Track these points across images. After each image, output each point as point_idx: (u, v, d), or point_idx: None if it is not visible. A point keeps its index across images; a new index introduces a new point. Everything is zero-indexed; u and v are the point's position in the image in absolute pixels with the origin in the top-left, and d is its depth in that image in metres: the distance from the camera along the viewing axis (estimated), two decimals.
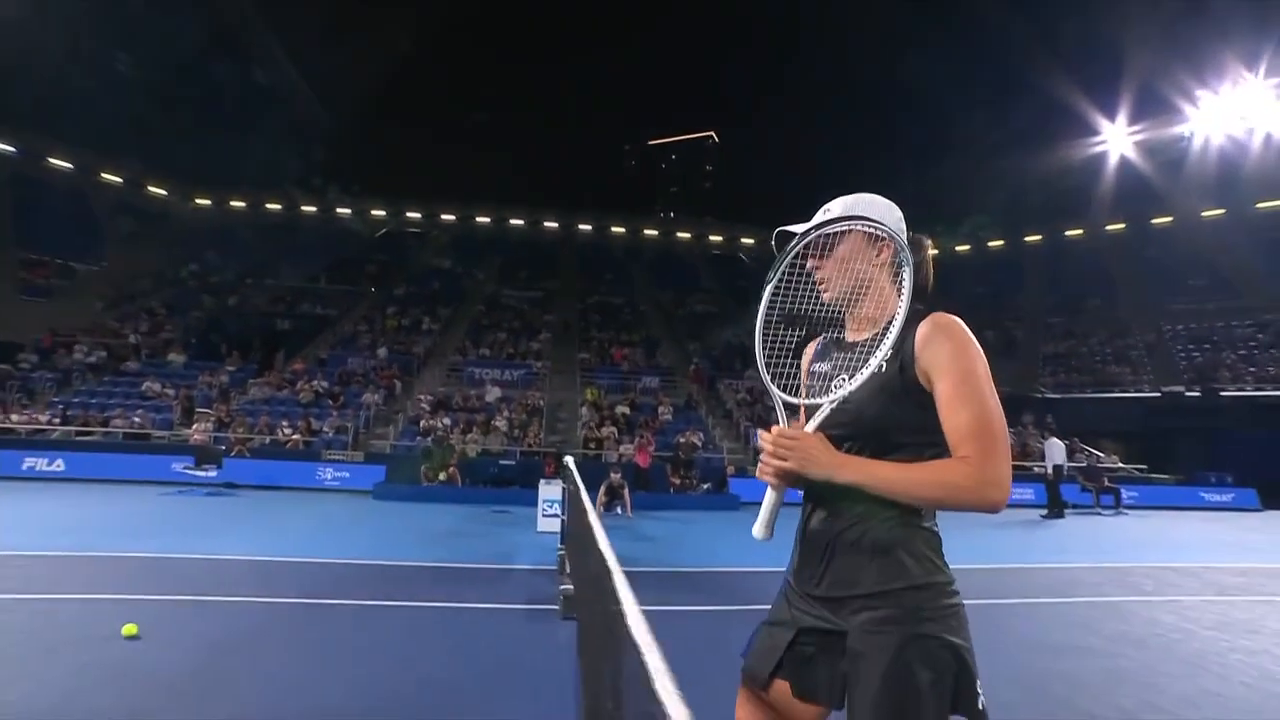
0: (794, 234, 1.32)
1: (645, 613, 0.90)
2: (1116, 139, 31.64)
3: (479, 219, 33.28)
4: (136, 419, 14.62)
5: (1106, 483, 13.66)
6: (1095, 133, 32.24)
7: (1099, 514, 12.95)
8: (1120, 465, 16.77)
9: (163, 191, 32.18)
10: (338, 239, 30.77)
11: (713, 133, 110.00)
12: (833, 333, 1.44)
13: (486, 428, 15.00)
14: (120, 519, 7.97)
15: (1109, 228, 33.33)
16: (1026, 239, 35.64)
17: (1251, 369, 20.14)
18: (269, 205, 33.14)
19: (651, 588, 5.28)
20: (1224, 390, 18.87)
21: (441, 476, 11.40)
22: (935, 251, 1.47)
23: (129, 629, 3.68)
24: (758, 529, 1.26)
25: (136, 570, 5.31)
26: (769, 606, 1.42)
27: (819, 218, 1.35)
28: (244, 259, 28.45)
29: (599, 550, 1.52)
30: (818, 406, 1.28)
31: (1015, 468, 7.22)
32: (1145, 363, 23.01)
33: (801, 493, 1.36)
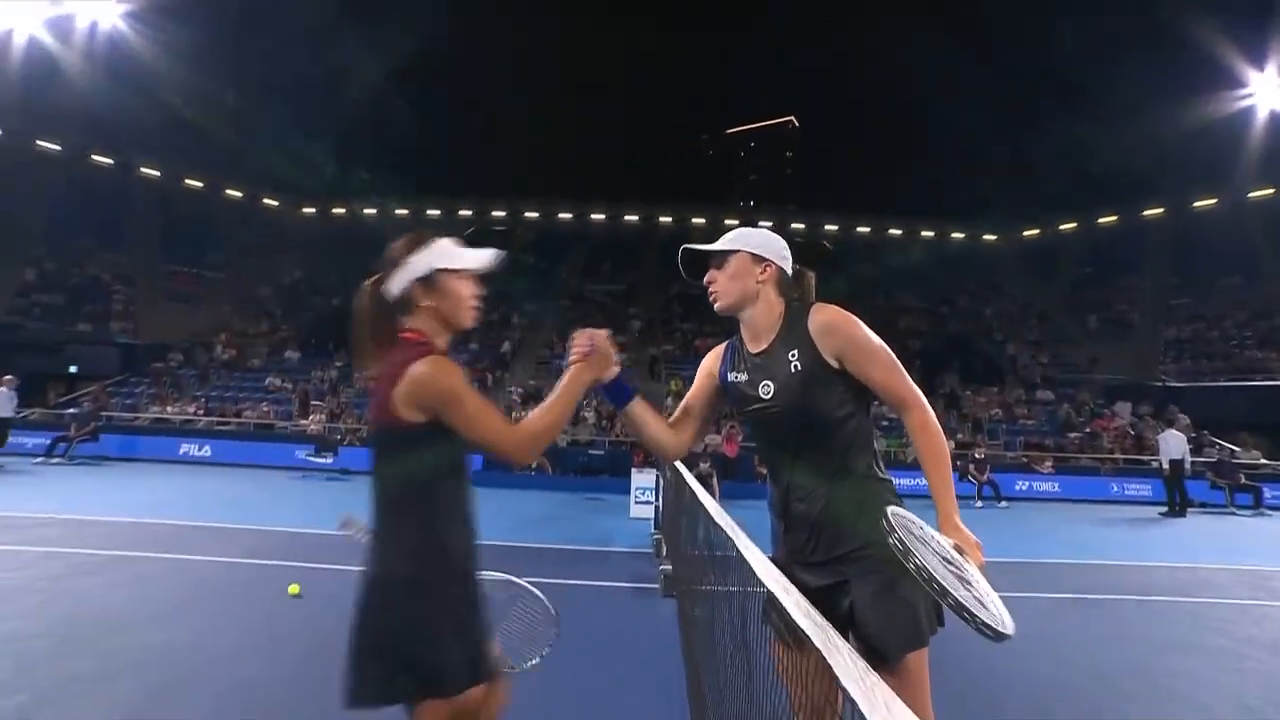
0: (698, 251, 1.64)
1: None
2: (1265, 91, 28.07)
3: (561, 215, 34.29)
4: (265, 408, 16.35)
5: (1243, 480, 12.48)
6: (1236, 85, 28.77)
7: (1234, 514, 11.88)
8: (1262, 461, 15.19)
9: (275, 203, 35.32)
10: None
11: (792, 118, 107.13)
12: (737, 348, 1.69)
13: (576, 418, 15.65)
14: (265, 498, 9.07)
15: (1252, 195, 29.80)
16: (1144, 213, 32.49)
17: None
18: (365, 211, 35.63)
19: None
20: None
21: (534, 465, 12.07)
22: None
23: (293, 588, 4.33)
24: None
25: (287, 541, 6.12)
26: None
27: (694, 247, 1.67)
28: (345, 263, 30.80)
29: (722, 529, 1.77)
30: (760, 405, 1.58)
31: (1130, 461, 7.06)
32: None
33: (769, 477, 1.62)
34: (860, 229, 36.15)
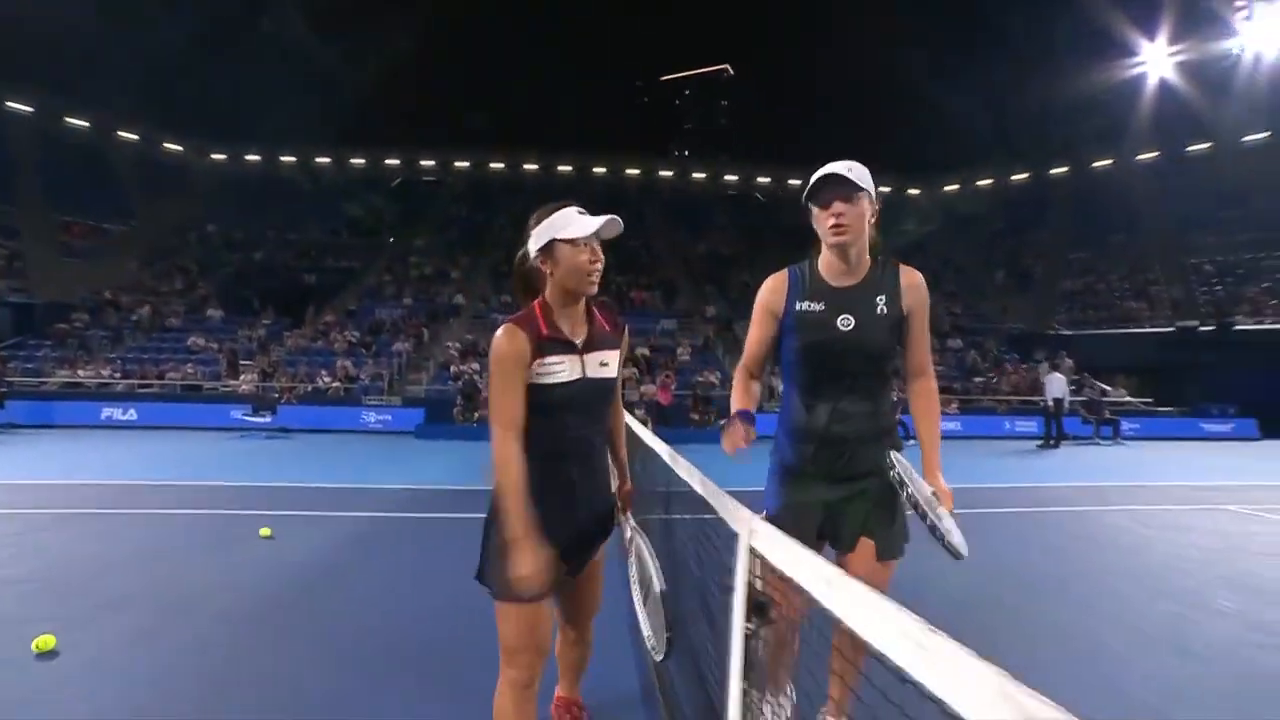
0: (843, 176, 1.64)
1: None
2: (1156, 59, 30.43)
3: (492, 165, 33.47)
4: (189, 370, 15.90)
5: (1107, 415, 14.40)
6: (1133, 53, 31.02)
7: (1097, 444, 13.76)
8: (1125, 399, 17.40)
9: (178, 148, 32.71)
10: (354, 191, 31.31)
11: (727, 65, 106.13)
12: (804, 277, 1.79)
13: None
14: (211, 457, 9.18)
15: (1140, 157, 32.52)
16: (1052, 172, 34.91)
17: (1274, 302, 20.33)
18: (283, 159, 33.52)
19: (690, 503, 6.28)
20: (1238, 325, 19.18)
21: (476, 416, 12.52)
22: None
23: (265, 531, 4.77)
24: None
25: (246, 494, 6.44)
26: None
27: (841, 170, 1.65)
28: (263, 214, 29.22)
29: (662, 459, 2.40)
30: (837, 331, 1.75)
31: (1023, 401, 8.56)
32: (1165, 298, 23.20)
33: (803, 403, 1.80)
34: (791, 181, 37.08)
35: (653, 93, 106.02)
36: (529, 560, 1.50)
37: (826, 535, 1.80)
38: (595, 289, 1.66)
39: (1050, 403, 12.64)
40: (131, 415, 12.88)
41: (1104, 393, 16.50)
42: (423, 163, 33.31)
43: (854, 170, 1.65)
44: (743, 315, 21.31)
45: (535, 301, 1.66)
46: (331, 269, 23.84)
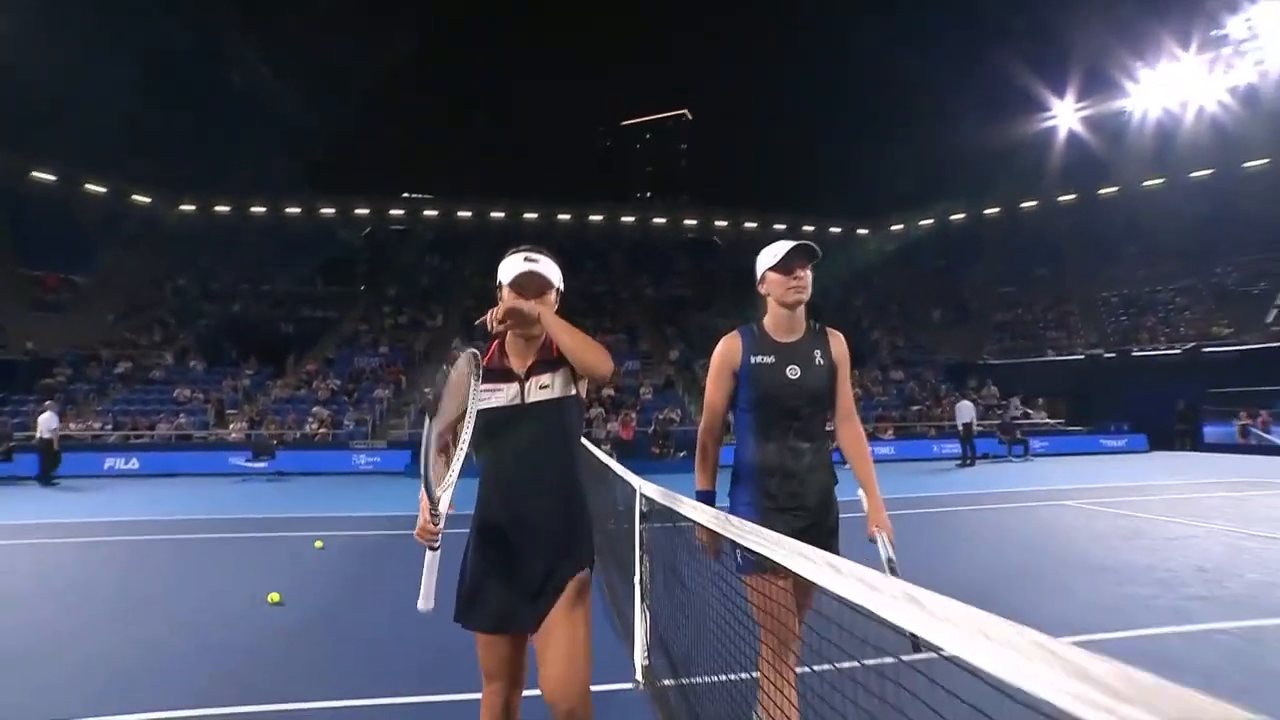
0: (812, 247, 2.03)
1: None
2: (1065, 114, 34.54)
3: (460, 213, 35.35)
4: (182, 421, 17.13)
5: (1019, 435, 16.76)
6: (1046, 108, 35.15)
7: (1010, 461, 16.05)
8: (1038, 421, 19.93)
9: (146, 199, 33.72)
10: (325, 240, 32.75)
11: (686, 110, 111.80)
12: (755, 335, 2.12)
13: None
14: (232, 498, 10.61)
15: (1060, 199, 36.41)
16: (985, 212, 38.61)
17: (1166, 330, 23.39)
18: (253, 209, 34.78)
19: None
20: (1135, 351, 22.08)
21: None
22: None
23: (318, 544, 6.42)
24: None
25: (278, 523, 8.02)
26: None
27: (810, 243, 2.03)
28: (235, 264, 30.38)
29: (628, 483, 4.26)
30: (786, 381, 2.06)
31: (947, 426, 11.63)
32: (1079, 328, 26.19)
33: (759, 443, 2.08)
34: (748, 224, 39.92)
35: (615, 137, 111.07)
36: (420, 524, 1.70)
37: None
38: (531, 335, 1.84)
39: (961, 427, 14.89)
40: (134, 465, 14.13)
41: (1015, 416, 18.93)
42: (392, 211, 35.02)
43: (815, 247, 2.04)
44: (701, 355, 23.42)
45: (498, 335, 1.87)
46: (308, 318, 25.22)
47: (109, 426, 16.74)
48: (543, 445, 1.79)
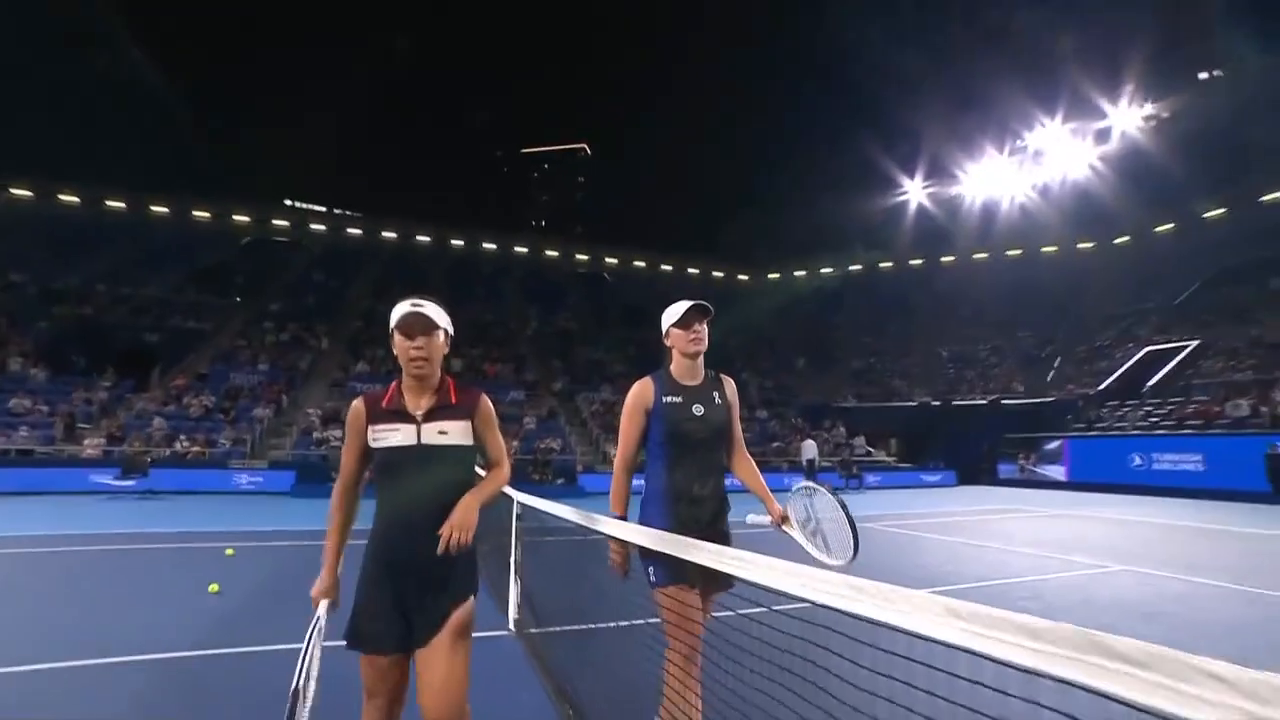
0: (707, 307, 2.43)
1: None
2: (915, 191, 40.55)
3: (350, 230, 35.12)
4: (24, 434, 16.31)
5: (855, 470, 19.90)
6: (899, 186, 41.11)
7: (846, 491, 19.02)
8: (875, 458, 23.48)
9: None
10: (197, 245, 31.34)
11: (585, 145, 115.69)
12: (664, 379, 2.47)
13: None
14: (113, 514, 10.82)
15: (911, 262, 42.33)
16: (851, 268, 43.90)
17: (982, 383, 28.23)
18: (109, 203, 32.56)
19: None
20: (955, 400, 26.56)
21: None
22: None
23: (229, 551, 7.40)
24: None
25: (180, 535, 8.73)
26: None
27: (706, 304, 2.44)
28: (85, 263, 28.28)
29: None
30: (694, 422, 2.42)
31: (792, 461, 14.76)
32: (919, 377, 30.76)
33: (669, 474, 2.40)
34: (637, 262, 42.62)
35: (513, 164, 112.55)
36: (319, 582, 1.93)
37: (704, 577, 2.15)
38: (421, 374, 1.96)
39: (805, 462, 17.65)
40: None
41: (858, 454, 22.28)
42: (275, 222, 34.17)
43: (709, 306, 2.44)
44: (584, 388, 25.20)
45: (397, 378, 2.05)
46: (177, 329, 24.27)
47: None
48: (436, 484, 1.93)
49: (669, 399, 2.42)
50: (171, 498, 13.59)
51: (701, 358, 2.49)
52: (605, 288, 38.45)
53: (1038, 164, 35.25)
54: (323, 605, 1.94)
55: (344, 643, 1.89)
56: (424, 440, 1.95)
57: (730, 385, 2.57)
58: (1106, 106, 32.79)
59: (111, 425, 17.37)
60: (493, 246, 37.91)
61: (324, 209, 37.16)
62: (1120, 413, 22.19)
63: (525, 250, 39.20)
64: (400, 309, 1.96)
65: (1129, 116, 32.62)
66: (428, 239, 36.65)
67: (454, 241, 37.14)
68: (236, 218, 33.25)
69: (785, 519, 2.50)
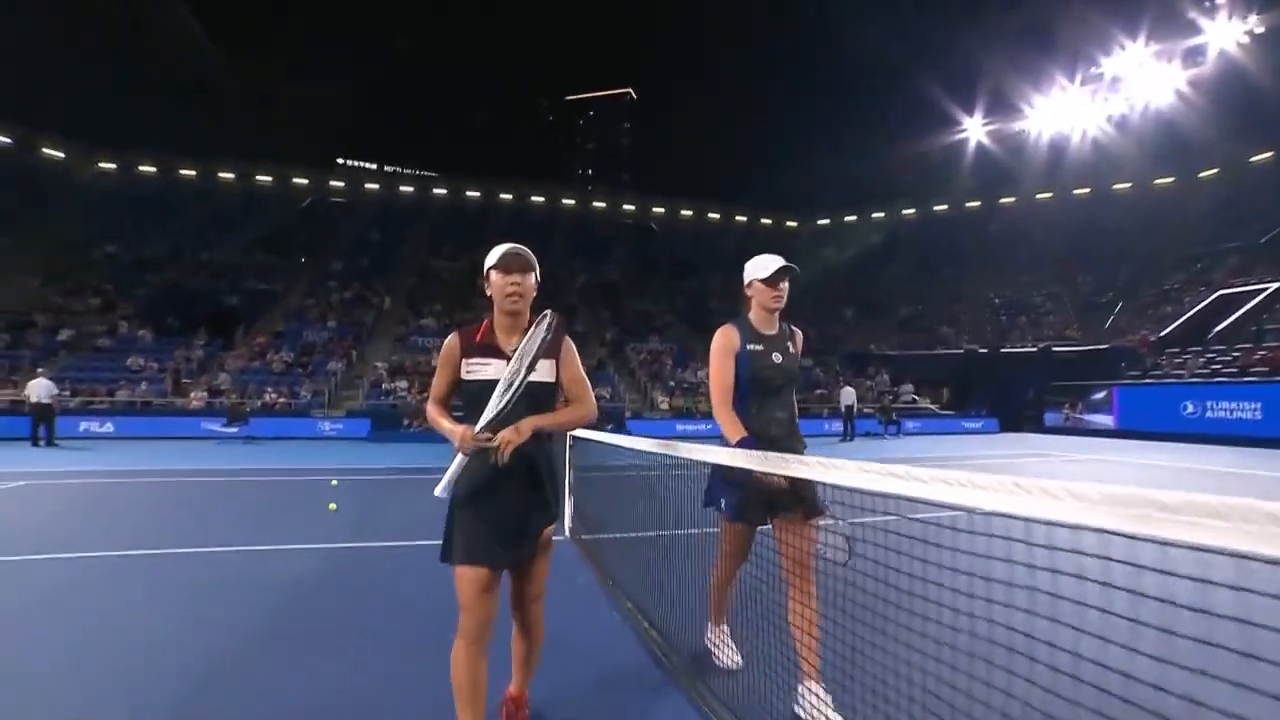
0: (793, 268, 2.64)
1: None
2: (974, 129, 39.17)
3: (403, 188, 36.65)
4: (143, 389, 18.65)
5: (894, 417, 20.60)
6: (958, 123, 39.70)
7: (884, 438, 19.81)
8: (915, 405, 24.01)
9: (58, 154, 33.25)
10: (260, 209, 33.45)
11: (630, 90, 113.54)
12: (745, 328, 2.69)
13: None
14: (229, 454, 12.72)
15: (968, 205, 41.25)
16: (904, 212, 43.12)
17: (1034, 330, 28.05)
18: (182, 172, 34.86)
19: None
20: (1004, 348, 26.58)
21: (416, 424, 16.55)
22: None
23: (333, 482, 8.93)
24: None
25: (288, 471, 10.40)
26: None
27: (792, 264, 2.65)
28: (162, 231, 30.64)
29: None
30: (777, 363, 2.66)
31: (832, 407, 16.08)
32: (968, 325, 30.67)
33: (749, 414, 2.59)
34: (684, 212, 42.94)
35: (557, 112, 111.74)
36: (460, 432, 1.96)
37: (770, 512, 2.51)
38: (515, 309, 2.10)
39: (844, 409, 18.48)
40: (109, 428, 15.78)
41: (905, 401, 22.86)
42: (332, 183, 35.96)
43: (795, 267, 2.66)
44: (633, 338, 26.35)
45: (487, 316, 2.18)
46: (252, 290, 26.48)
47: (66, 393, 18.06)
48: (523, 416, 2.00)
49: (752, 346, 2.64)
50: (268, 442, 15.57)
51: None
52: (653, 239, 39.10)
53: (1114, 92, 33.42)
54: (467, 437, 1.96)
55: (444, 559, 2.05)
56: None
57: (800, 337, 2.82)
58: (1202, 21, 30.03)
59: (208, 380, 19.59)
60: (540, 199, 38.89)
61: (375, 167, 38.63)
62: (1180, 360, 21.92)
63: (572, 203, 40.05)
64: (499, 249, 2.12)
65: (1228, 32, 29.67)
66: (477, 194, 37.86)
67: (503, 196, 38.23)
68: (295, 180, 35.13)
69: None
